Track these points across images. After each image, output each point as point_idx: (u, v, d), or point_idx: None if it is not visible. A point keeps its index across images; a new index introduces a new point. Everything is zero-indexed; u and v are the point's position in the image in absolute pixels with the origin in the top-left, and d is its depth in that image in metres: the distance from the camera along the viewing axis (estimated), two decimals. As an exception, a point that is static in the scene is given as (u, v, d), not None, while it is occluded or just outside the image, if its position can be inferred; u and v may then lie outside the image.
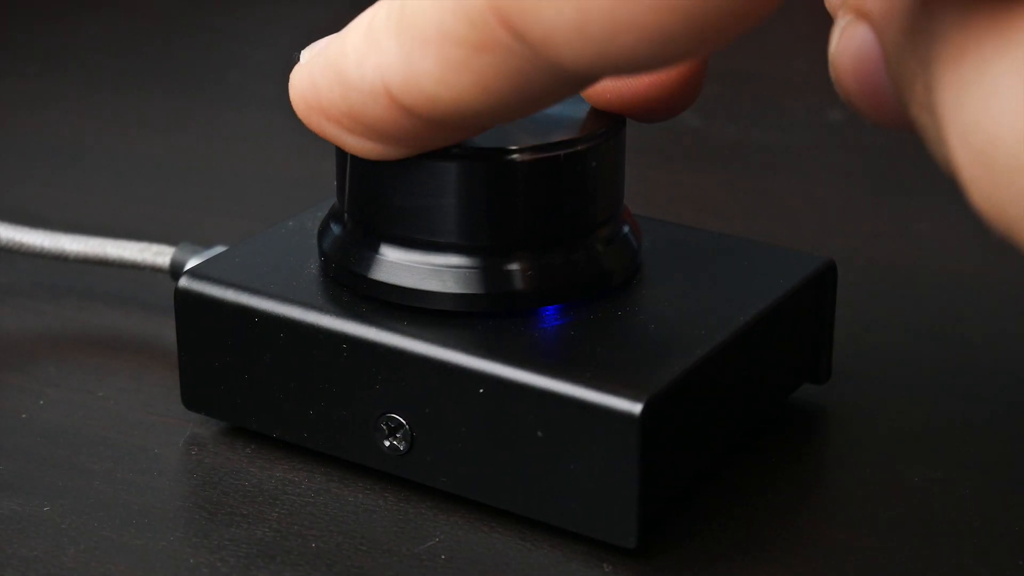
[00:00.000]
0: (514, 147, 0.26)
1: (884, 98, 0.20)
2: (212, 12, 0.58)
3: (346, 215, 0.28)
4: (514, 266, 0.26)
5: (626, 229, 0.28)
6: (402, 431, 0.26)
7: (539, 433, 0.25)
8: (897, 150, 0.44)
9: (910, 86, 0.18)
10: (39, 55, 0.53)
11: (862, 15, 0.20)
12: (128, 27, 0.57)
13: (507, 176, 0.26)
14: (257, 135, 0.46)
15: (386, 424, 0.27)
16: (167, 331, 0.32)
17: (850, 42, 0.20)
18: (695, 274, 0.28)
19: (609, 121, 0.27)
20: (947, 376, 0.31)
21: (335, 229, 0.28)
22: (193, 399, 0.29)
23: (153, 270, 0.33)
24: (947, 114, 0.17)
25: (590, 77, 0.22)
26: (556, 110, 0.27)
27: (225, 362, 0.28)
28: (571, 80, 0.21)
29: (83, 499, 0.27)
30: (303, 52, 0.26)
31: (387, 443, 0.27)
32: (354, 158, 0.27)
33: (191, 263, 0.31)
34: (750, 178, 0.42)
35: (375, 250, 0.27)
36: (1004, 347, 0.32)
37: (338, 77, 0.24)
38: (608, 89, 0.27)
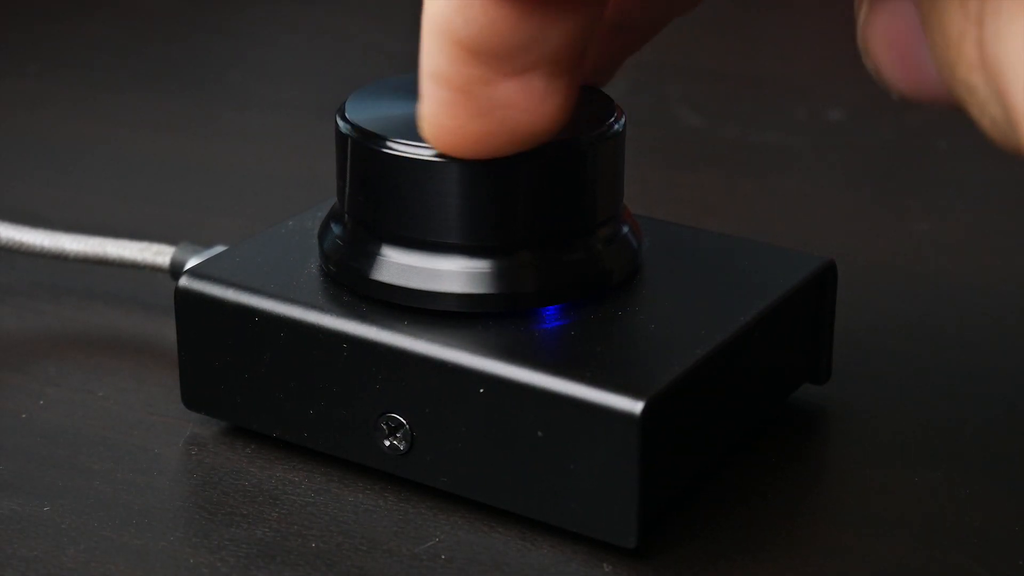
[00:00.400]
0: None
1: (920, 66, 0.20)
2: (212, 12, 0.58)
3: (346, 215, 0.28)
4: (514, 266, 0.26)
5: (626, 229, 0.28)
6: (402, 431, 0.26)
7: (539, 433, 0.25)
8: (897, 150, 0.44)
9: (958, 46, 0.18)
10: (39, 55, 0.53)
11: None
12: (128, 27, 0.57)
13: (506, 176, 0.26)
14: (257, 135, 0.46)
15: (386, 424, 0.27)
16: (167, 331, 0.32)
17: (882, 11, 0.20)
18: (695, 274, 0.28)
19: (608, 120, 0.27)
20: (947, 376, 0.31)
21: (335, 229, 0.28)
22: (193, 399, 0.29)
23: (153, 270, 0.33)
24: (1013, 66, 0.18)
25: None
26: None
27: (225, 362, 0.28)
28: None
29: (83, 499, 0.27)
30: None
31: (387, 443, 0.27)
32: (354, 158, 0.27)
33: (191, 263, 0.31)
34: (750, 178, 0.42)
35: (375, 250, 0.27)
36: (1004, 347, 0.32)
37: (437, 24, 0.23)
38: None
